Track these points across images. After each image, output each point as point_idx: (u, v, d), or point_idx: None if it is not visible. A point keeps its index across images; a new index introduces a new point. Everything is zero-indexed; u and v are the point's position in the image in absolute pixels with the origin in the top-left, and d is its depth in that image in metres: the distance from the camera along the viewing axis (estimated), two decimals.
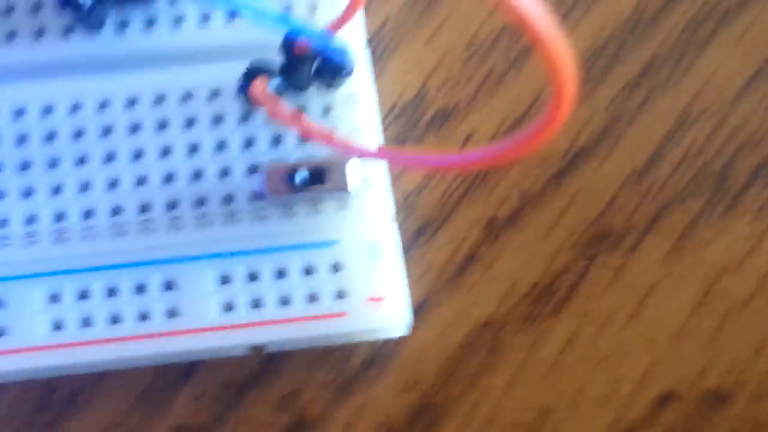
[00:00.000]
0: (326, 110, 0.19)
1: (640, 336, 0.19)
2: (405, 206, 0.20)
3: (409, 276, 0.19)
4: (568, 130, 0.20)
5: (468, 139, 0.20)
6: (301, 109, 0.19)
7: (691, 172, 0.20)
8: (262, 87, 0.18)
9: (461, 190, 0.20)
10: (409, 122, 0.20)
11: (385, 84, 0.20)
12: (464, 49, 0.20)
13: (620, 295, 0.20)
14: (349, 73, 0.18)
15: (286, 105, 0.18)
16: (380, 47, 0.20)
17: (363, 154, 0.18)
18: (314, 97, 0.19)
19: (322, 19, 0.19)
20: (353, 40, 0.18)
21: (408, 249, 0.19)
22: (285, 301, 0.18)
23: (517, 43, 0.20)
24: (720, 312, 0.19)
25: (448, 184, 0.20)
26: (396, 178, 0.19)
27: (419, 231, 0.20)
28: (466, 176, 0.20)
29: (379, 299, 0.18)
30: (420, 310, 0.19)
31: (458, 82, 0.20)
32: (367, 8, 0.20)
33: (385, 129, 0.20)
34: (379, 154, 0.17)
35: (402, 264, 0.19)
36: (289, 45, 0.18)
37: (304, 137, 0.18)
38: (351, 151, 0.18)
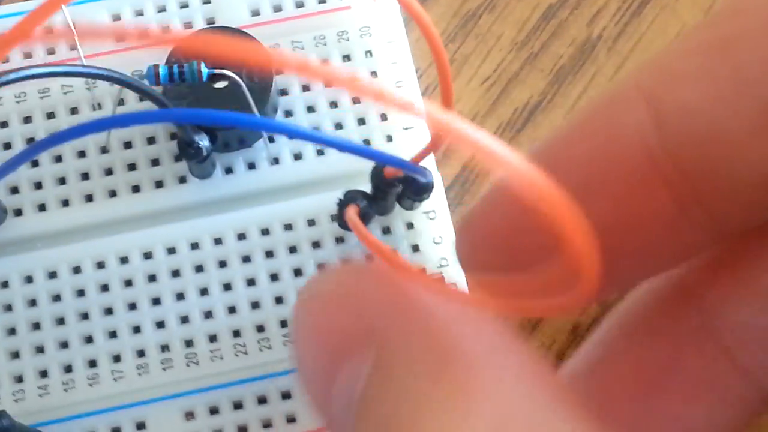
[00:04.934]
0: (408, 227, 0.21)
1: None
2: None
3: None
4: None
5: None
6: (387, 228, 0.21)
7: None
8: (354, 215, 0.19)
9: None
10: None
11: None
12: None
13: None
14: (431, 193, 0.20)
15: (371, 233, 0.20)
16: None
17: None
18: (398, 216, 0.21)
19: (399, 147, 0.21)
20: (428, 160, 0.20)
21: None
22: None
23: None
24: None
25: None
26: None
27: None
28: None
29: None
30: None
31: None
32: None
33: None
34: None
35: None
36: (379, 172, 0.19)
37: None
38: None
